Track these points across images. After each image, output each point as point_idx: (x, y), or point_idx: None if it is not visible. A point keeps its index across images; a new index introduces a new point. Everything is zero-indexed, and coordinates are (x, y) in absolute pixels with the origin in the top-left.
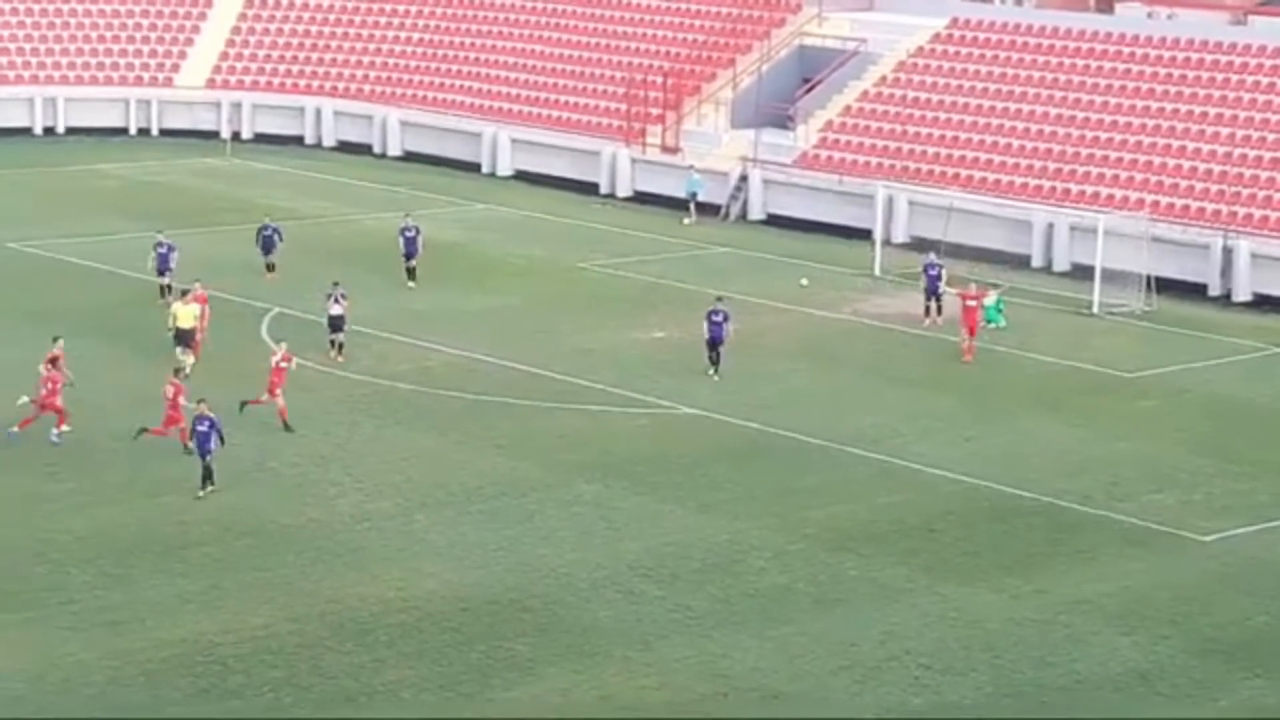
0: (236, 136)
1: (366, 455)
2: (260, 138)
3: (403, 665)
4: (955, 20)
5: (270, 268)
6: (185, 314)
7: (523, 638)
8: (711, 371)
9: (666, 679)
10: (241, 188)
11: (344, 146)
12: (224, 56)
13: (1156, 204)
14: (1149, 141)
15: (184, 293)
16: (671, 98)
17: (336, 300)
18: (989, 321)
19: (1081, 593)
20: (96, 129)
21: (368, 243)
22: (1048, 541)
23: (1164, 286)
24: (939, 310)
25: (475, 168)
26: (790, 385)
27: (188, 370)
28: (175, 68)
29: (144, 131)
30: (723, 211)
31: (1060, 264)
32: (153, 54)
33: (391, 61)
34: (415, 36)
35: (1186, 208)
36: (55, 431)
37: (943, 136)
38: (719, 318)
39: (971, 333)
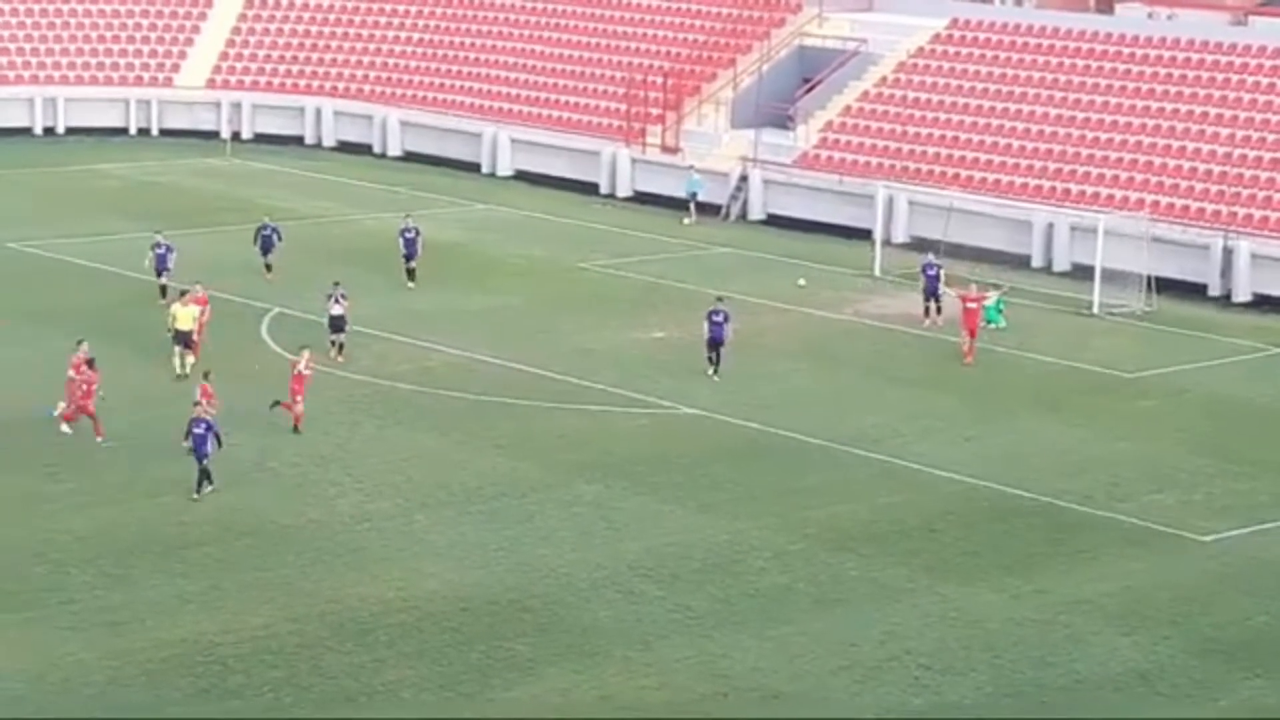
0: (236, 136)
1: (367, 455)
2: (260, 138)
3: (403, 665)
4: (955, 20)
5: (269, 268)
6: (184, 315)
7: (523, 638)
8: (711, 372)
9: (666, 679)
10: (241, 188)
11: (344, 146)
12: (224, 56)
13: (1156, 204)
14: (1149, 142)
15: (182, 293)
16: (671, 98)
17: (337, 300)
18: (989, 322)
19: (1082, 593)
20: (96, 129)
21: (368, 243)
22: (1048, 541)
23: (1164, 287)
24: (938, 310)
25: (475, 168)
26: (791, 385)
27: (186, 371)
28: (175, 68)
29: (144, 131)
30: (723, 211)
31: (1060, 264)
32: (153, 54)
33: (391, 62)
34: (415, 36)
35: (1186, 208)
36: (67, 425)
37: (943, 137)
38: (719, 318)
39: (972, 334)
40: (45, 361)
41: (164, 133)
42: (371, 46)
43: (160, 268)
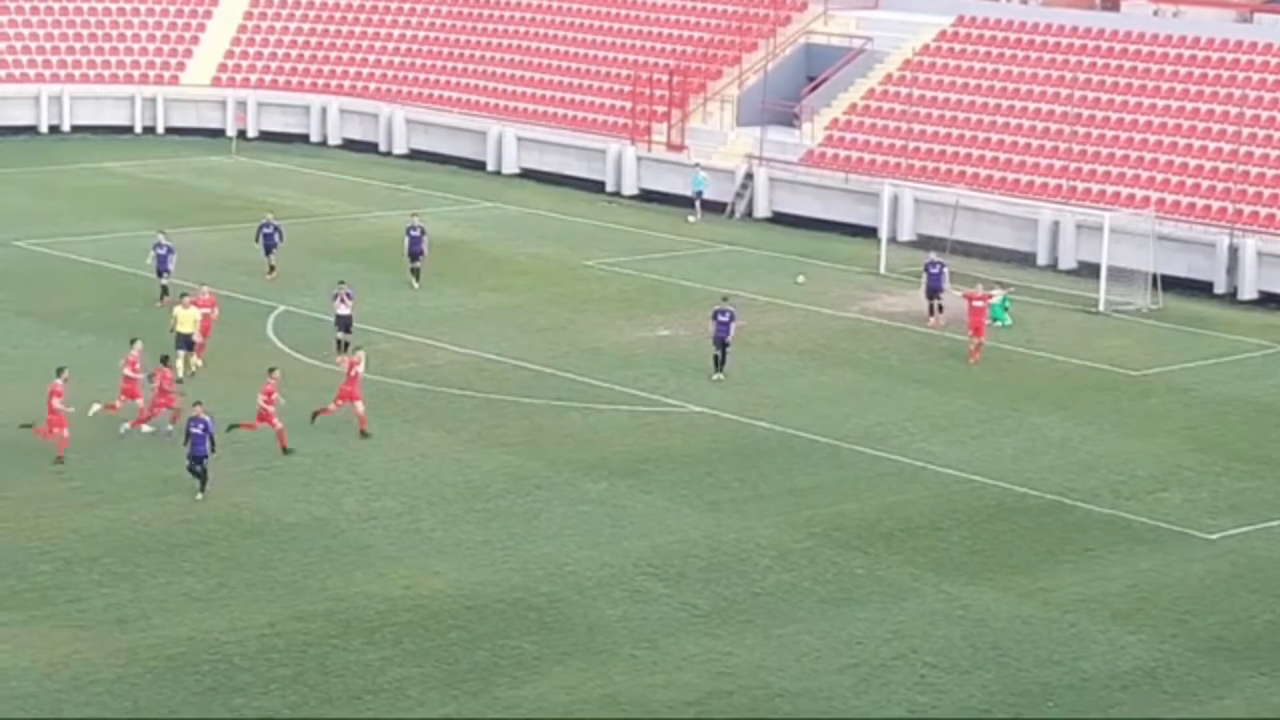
0: (242, 134)
1: (373, 454)
2: (266, 136)
3: (409, 663)
4: (961, 18)
5: (271, 268)
6: (185, 318)
7: (529, 636)
8: (717, 374)
9: (672, 677)
10: (247, 186)
11: (350, 144)
12: (230, 54)
13: (1163, 202)
14: (1155, 139)
15: (183, 295)
16: (677, 96)
17: (342, 300)
18: (994, 319)
19: (1088, 591)
20: (102, 127)
21: (374, 241)
22: (1054, 540)
23: (1170, 284)
24: (940, 309)
25: (481, 166)
26: (797, 384)
27: (193, 370)
28: (181, 66)
29: (149, 129)
30: (728, 209)
31: (1066, 262)
32: (158, 52)
33: (397, 60)
34: (421, 35)
35: (1193, 205)
36: (139, 425)
37: (949, 134)
38: (725, 317)
39: (977, 333)
40: (50, 359)
41: (169, 131)
42: (377, 45)
43: (161, 268)
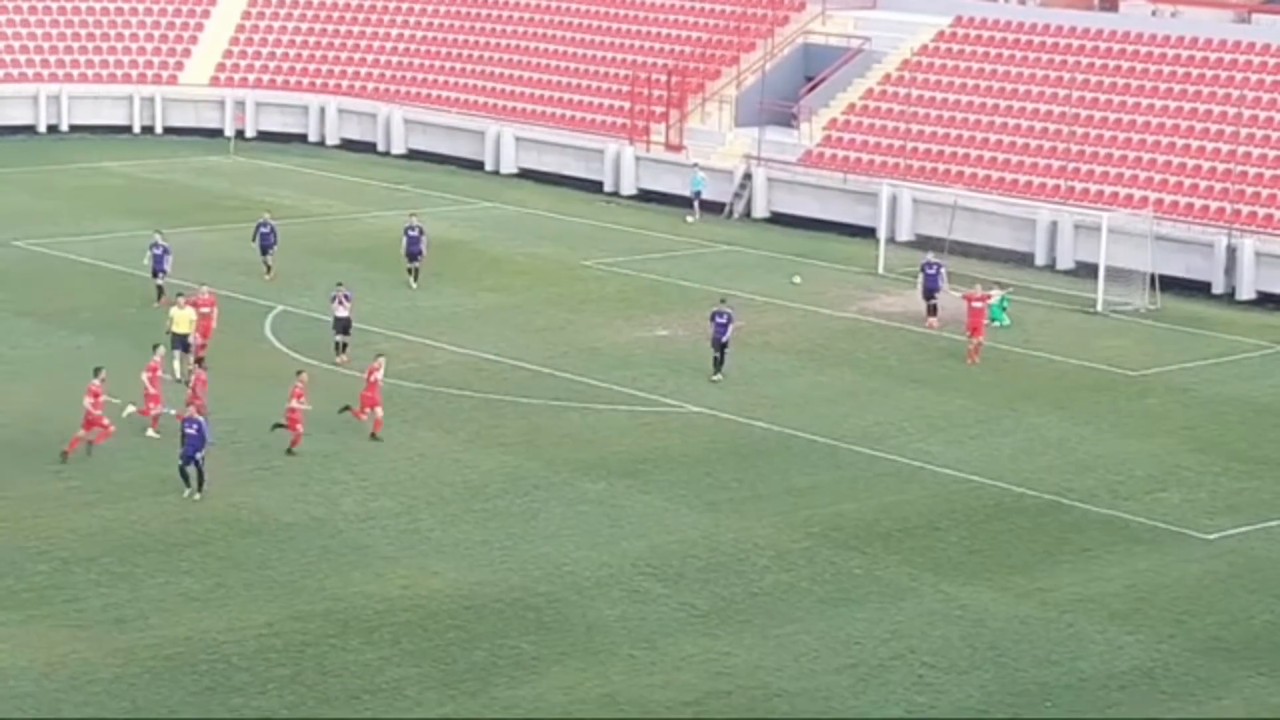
0: (240, 134)
1: (371, 453)
2: (264, 135)
3: (407, 663)
4: (959, 18)
5: (268, 269)
6: (181, 318)
7: (527, 636)
8: (716, 376)
9: (671, 677)
10: (245, 186)
11: (348, 144)
12: (228, 54)
13: (1161, 202)
14: (1153, 140)
15: (179, 295)
16: (676, 96)
17: (340, 302)
18: (992, 319)
19: (1086, 591)
20: (100, 127)
21: (372, 241)
22: (1052, 540)
23: (1168, 285)
24: (934, 311)
25: (479, 165)
26: (795, 384)
27: (185, 371)
28: (179, 65)
29: (148, 129)
30: (727, 210)
31: (1064, 262)
32: (157, 51)
33: (396, 59)
34: (419, 34)
35: (1191, 205)
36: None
37: (947, 135)
38: (723, 319)
39: (975, 333)
40: (49, 359)
41: (168, 130)
42: (375, 44)
43: (156, 269)
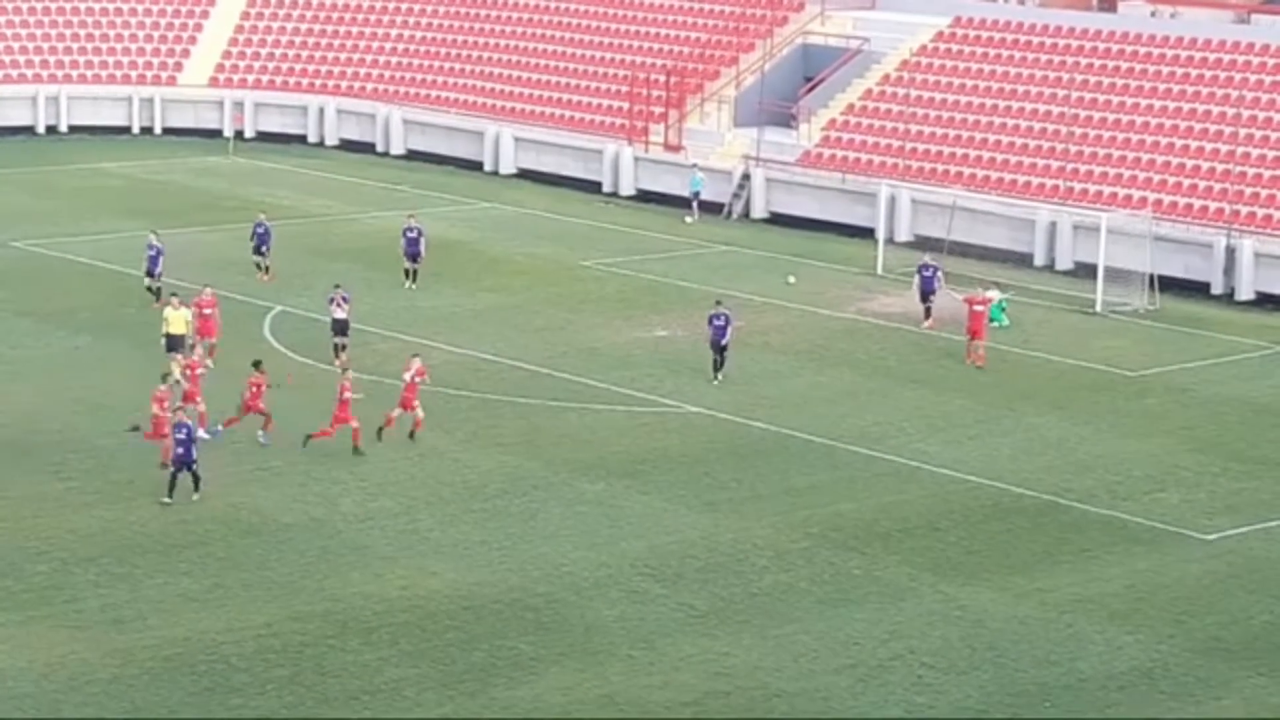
0: (239, 135)
1: (370, 454)
2: (263, 136)
3: (406, 664)
4: (958, 19)
5: (265, 270)
6: (176, 319)
7: (526, 636)
8: (715, 378)
9: (669, 678)
10: (244, 186)
11: (347, 145)
12: (227, 55)
13: (1160, 202)
14: (1152, 140)
15: (172, 295)
16: (674, 96)
17: (338, 304)
18: (991, 320)
19: (1085, 591)
20: (99, 127)
21: (371, 241)
22: (1051, 540)
23: (1167, 285)
24: (929, 314)
25: (478, 166)
26: (794, 384)
27: (177, 376)
28: (178, 66)
29: (147, 130)
30: (726, 210)
31: (1063, 263)
32: (155, 52)
33: (395, 60)
34: (418, 35)
35: (1190, 206)
36: (261, 433)
37: (946, 135)
38: (720, 321)
39: (976, 336)
40: (48, 359)
41: (167, 131)
42: (374, 45)
43: (150, 269)
